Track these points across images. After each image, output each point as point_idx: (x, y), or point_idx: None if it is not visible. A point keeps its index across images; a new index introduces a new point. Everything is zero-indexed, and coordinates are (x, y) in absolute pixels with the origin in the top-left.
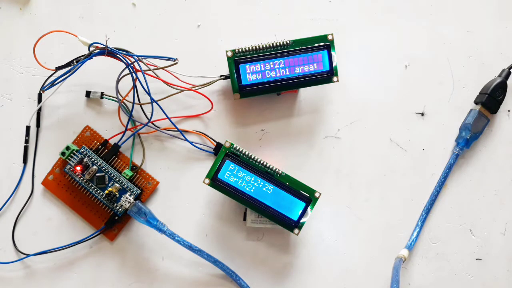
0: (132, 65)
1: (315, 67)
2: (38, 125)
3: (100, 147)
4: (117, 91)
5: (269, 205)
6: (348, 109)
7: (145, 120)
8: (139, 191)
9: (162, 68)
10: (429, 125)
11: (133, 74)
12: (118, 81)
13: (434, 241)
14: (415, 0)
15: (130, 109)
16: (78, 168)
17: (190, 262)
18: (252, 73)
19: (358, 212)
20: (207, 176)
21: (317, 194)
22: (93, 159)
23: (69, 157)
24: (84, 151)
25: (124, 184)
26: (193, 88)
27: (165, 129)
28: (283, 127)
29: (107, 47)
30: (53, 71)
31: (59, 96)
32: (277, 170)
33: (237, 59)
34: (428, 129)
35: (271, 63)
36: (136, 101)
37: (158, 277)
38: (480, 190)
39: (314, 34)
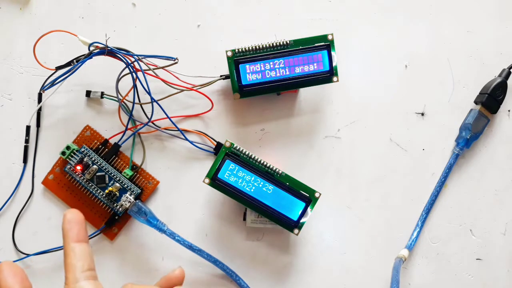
0: (132, 64)
1: (315, 67)
2: (38, 125)
3: (100, 146)
4: (117, 90)
5: (269, 205)
6: (348, 109)
7: (145, 120)
8: (139, 191)
9: (162, 67)
10: (429, 125)
11: (133, 73)
12: (118, 80)
13: (434, 241)
14: (415, 0)
15: (130, 109)
16: (79, 167)
17: (190, 262)
18: (252, 73)
19: (358, 212)
20: (207, 176)
21: (317, 194)
22: (93, 159)
23: (69, 157)
24: (84, 151)
25: (124, 184)
26: (193, 88)
27: (165, 129)
28: (283, 127)
29: (107, 46)
30: (53, 71)
31: (59, 96)
32: (277, 170)
33: (237, 59)
34: (428, 129)
35: (271, 63)
36: (136, 100)
37: (158, 277)
38: (480, 190)
39: (314, 34)
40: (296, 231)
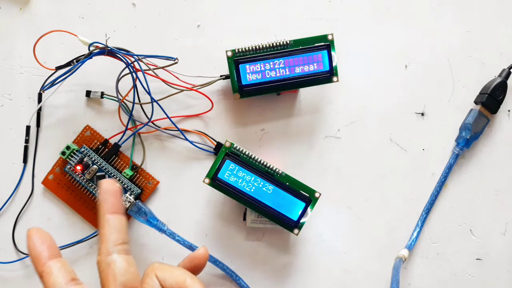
0: (132, 64)
1: (315, 67)
2: (38, 125)
3: (100, 146)
4: (117, 90)
5: (269, 205)
6: (348, 109)
7: (145, 120)
8: (139, 191)
9: (162, 67)
10: (429, 125)
11: (133, 73)
12: (118, 80)
13: (434, 241)
14: (415, 0)
15: (130, 109)
16: (79, 167)
17: None
18: (252, 73)
19: (358, 212)
20: (207, 176)
21: (317, 194)
22: (93, 159)
23: (70, 157)
24: (84, 151)
25: (124, 184)
26: (193, 88)
27: (165, 129)
28: (283, 127)
29: (107, 46)
30: (53, 71)
31: (59, 96)
32: (277, 170)
33: (237, 59)
34: (428, 129)
35: (271, 63)
36: (136, 100)
37: None
38: (480, 190)
39: (314, 34)
40: (296, 231)
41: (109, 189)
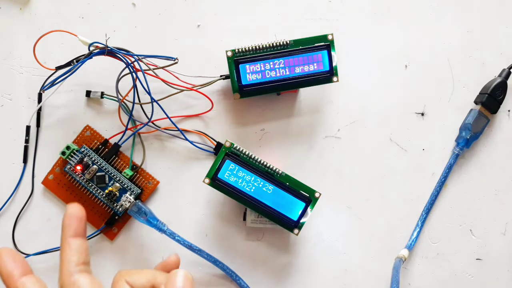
0: (132, 64)
1: (315, 67)
2: (38, 125)
3: (100, 146)
4: (117, 90)
5: (269, 205)
6: (348, 109)
7: (145, 120)
8: (139, 191)
9: (162, 67)
10: (429, 125)
11: (133, 73)
12: (118, 80)
13: (434, 241)
14: (415, 0)
15: (130, 109)
16: (79, 167)
17: (190, 262)
18: (252, 73)
19: (358, 212)
20: (207, 176)
21: (317, 194)
22: (93, 159)
23: (69, 157)
24: (84, 151)
25: (124, 184)
26: (193, 88)
27: (165, 129)
28: (283, 127)
29: (107, 46)
30: (53, 71)
31: (59, 96)
32: (277, 170)
33: (237, 59)
34: (428, 129)
35: (271, 63)
36: (136, 100)
37: None
38: (480, 190)
39: (314, 34)
40: (296, 231)
41: (74, 214)
